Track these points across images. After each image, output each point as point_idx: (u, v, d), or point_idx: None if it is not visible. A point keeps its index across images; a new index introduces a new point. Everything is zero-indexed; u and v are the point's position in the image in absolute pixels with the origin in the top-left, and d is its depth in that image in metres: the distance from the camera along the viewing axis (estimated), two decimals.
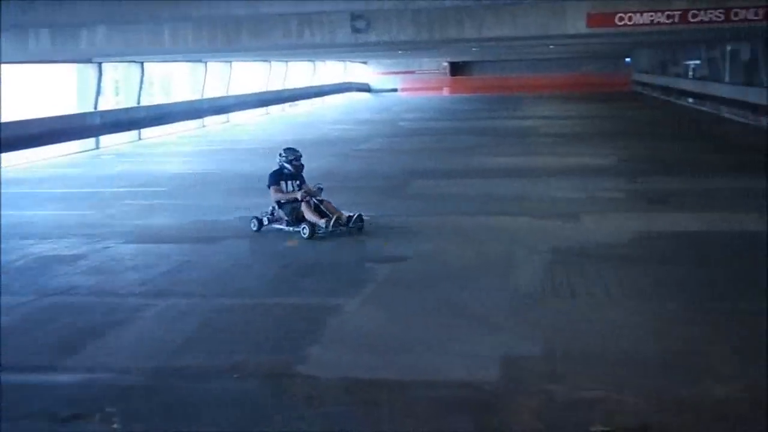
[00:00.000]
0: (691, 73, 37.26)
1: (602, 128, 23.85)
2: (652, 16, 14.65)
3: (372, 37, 16.20)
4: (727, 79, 29.15)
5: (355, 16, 15.76)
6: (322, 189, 10.02)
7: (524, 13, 15.64)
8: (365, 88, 48.96)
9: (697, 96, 30.78)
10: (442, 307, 6.66)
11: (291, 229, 9.69)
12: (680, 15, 14.58)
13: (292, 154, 10.25)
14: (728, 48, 29.15)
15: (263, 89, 34.23)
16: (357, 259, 8.49)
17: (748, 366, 5.17)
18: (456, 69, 49.28)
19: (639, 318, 6.28)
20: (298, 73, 39.72)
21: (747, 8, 14.16)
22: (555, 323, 6.14)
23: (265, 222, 9.96)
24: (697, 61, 36.33)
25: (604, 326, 6.07)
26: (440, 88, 47.25)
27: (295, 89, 38.34)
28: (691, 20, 14.58)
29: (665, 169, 14.76)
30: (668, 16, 14.62)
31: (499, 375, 5.13)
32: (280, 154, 10.31)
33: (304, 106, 38.66)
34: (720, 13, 14.26)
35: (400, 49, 29.46)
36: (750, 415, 4.49)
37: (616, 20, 14.91)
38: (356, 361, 5.43)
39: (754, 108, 23.60)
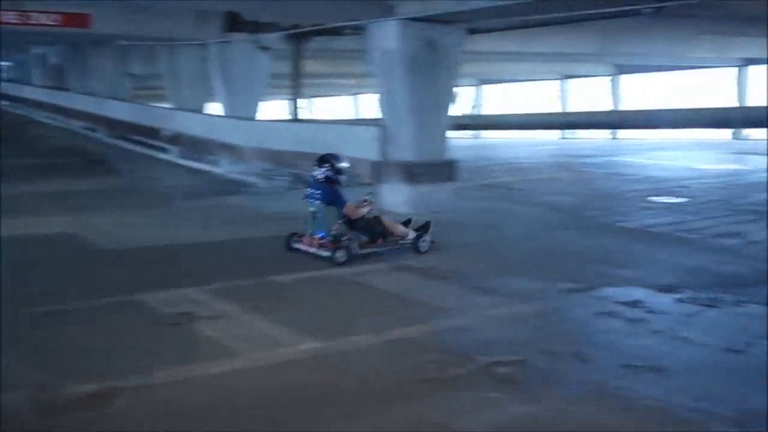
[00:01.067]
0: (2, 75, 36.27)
1: None
2: None
3: None
4: (38, 82, 29.19)
5: None
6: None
7: None
8: None
9: (11, 98, 30.15)
10: None
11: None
12: None
13: (342, 161, 8.67)
14: (37, 51, 29.21)
15: None
16: None
17: (36, 370, 5.20)
18: None
19: None
20: None
21: (44, 12, 14.32)
22: None
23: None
24: (8, 63, 35.50)
25: None
26: None
27: None
28: None
29: None
30: None
31: None
32: (327, 162, 8.52)
33: None
34: (17, 15, 14.12)
35: None
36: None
37: None
38: None
39: (66, 111, 24.13)
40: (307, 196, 8.60)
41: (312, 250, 8.30)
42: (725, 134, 29.19)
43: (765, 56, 24.81)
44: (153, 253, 8.81)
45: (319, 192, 8.46)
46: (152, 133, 20.29)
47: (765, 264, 7.98)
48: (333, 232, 8.25)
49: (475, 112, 38.41)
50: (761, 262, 8.11)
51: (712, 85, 32.57)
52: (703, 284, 7.17)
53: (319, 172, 8.53)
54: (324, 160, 8.58)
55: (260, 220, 11.15)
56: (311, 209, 8.51)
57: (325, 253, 8.11)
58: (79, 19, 14.79)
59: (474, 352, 5.32)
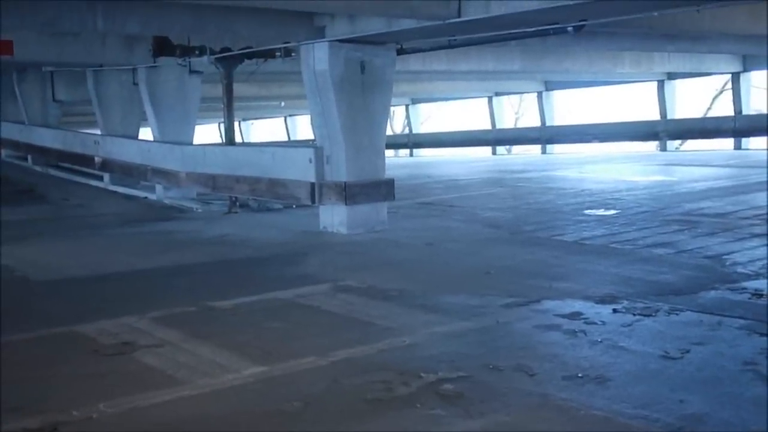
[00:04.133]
0: None
1: None
2: None
3: None
4: None
5: None
6: None
7: None
8: None
9: None
10: None
11: None
12: None
13: None
14: None
15: None
16: None
17: None
18: None
19: None
20: None
21: None
22: None
23: None
24: None
25: None
26: None
27: None
28: None
29: None
30: None
31: None
32: None
33: None
34: None
35: None
36: None
37: None
38: None
39: None
40: None
41: None
42: (651, 147, 30.03)
43: (683, 70, 25.81)
44: (89, 282, 8.64)
45: None
46: (83, 160, 19.90)
47: (696, 272, 8.23)
48: None
49: (409, 131, 38.74)
50: (692, 270, 8.36)
51: (636, 99, 33.58)
52: (639, 294, 7.35)
53: None
54: None
55: (198, 246, 11.04)
56: None
57: None
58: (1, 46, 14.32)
59: (420, 369, 5.35)
